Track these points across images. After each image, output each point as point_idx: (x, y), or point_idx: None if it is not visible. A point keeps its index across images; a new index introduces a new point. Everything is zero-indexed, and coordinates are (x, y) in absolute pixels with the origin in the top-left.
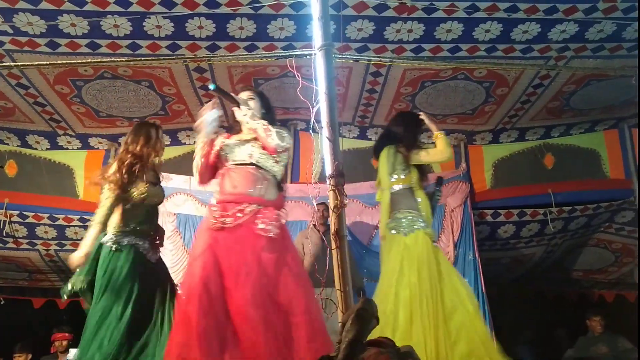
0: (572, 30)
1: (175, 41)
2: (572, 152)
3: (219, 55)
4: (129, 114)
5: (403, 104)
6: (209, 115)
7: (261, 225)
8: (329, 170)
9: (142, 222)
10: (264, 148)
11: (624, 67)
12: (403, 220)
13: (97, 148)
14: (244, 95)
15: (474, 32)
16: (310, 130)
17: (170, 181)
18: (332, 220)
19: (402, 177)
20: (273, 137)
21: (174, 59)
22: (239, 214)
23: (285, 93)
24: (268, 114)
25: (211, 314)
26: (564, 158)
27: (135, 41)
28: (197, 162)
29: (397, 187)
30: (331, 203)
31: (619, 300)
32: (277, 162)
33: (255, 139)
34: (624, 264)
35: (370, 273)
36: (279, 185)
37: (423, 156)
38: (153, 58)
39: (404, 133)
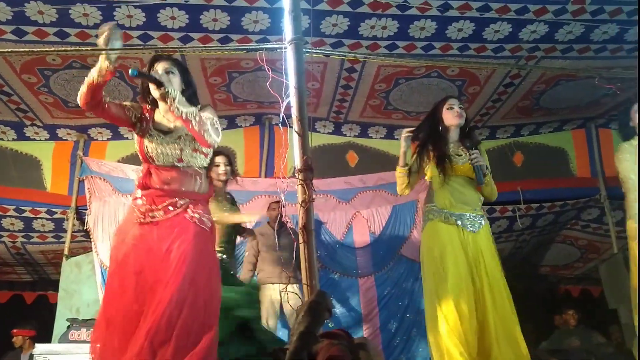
0: (542, 30)
1: (147, 32)
2: (541, 151)
3: (188, 46)
4: None
5: (377, 100)
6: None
7: (195, 215)
8: (298, 165)
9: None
10: (194, 150)
11: (592, 68)
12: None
13: (66, 139)
14: (160, 67)
15: (447, 30)
16: (280, 125)
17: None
18: (300, 215)
19: (426, 171)
20: (210, 133)
21: (140, 49)
22: (171, 207)
23: (260, 87)
24: (188, 89)
25: (142, 308)
26: (533, 156)
27: None
28: (91, 79)
29: (428, 181)
30: (299, 197)
31: (584, 295)
32: (206, 155)
33: (181, 131)
34: (589, 260)
35: (343, 267)
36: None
37: None
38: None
39: None
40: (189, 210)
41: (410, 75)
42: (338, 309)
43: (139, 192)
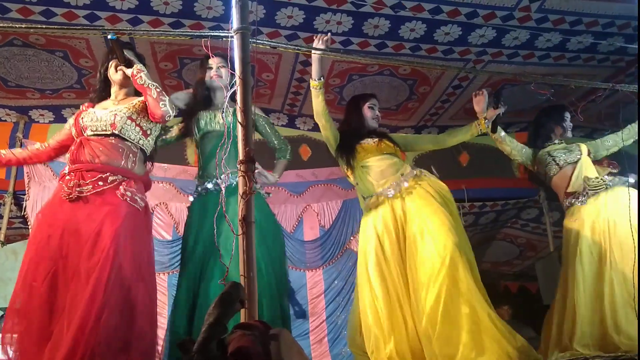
0: (490, 35)
1: (94, 11)
2: (485, 151)
3: (129, 29)
4: (41, 86)
5: (331, 95)
6: None
7: (127, 193)
8: (240, 156)
9: None
10: (129, 118)
11: (530, 74)
12: None
13: (5, 120)
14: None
15: (400, 30)
16: (223, 114)
17: None
18: (239, 206)
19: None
20: (166, 103)
21: (79, 29)
22: (100, 182)
23: None
24: None
25: (64, 298)
26: (478, 156)
27: (50, 8)
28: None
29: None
30: (240, 189)
31: (522, 291)
32: (145, 134)
33: (121, 105)
34: (527, 258)
35: (291, 260)
36: (146, 162)
37: None
38: (64, 27)
39: None
40: (120, 187)
41: (364, 72)
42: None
43: (67, 168)
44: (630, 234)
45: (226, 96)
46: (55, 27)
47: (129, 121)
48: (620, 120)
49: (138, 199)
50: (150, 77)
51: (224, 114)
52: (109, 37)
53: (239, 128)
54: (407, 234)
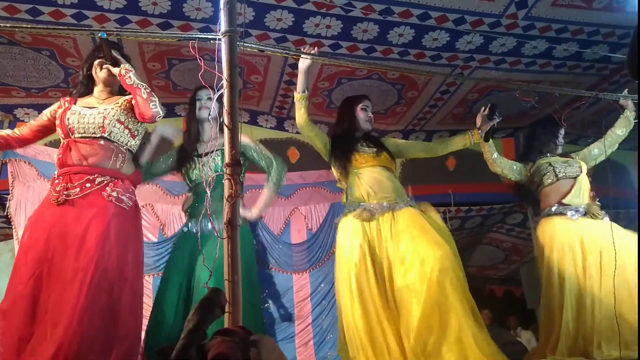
0: (477, 42)
1: (82, 10)
2: (472, 157)
3: (114, 29)
4: (27, 84)
5: (320, 98)
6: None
7: (113, 193)
8: (226, 159)
9: None
10: (118, 121)
11: (513, 81)
12: None
13: None
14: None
15: (389, 35)
16: (210, 117)
17: None
18: (225, 210)
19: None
20: (156, 103)
21: (65, 29)
22: (88, 184)
23: (202, 76)
24: None
25: (48, 299)
26: (464, 161)
27: (37, 6)
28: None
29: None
30: (226, 192)
31: (507, 295)
32: (133, 135)
33: (107, 106)
34: (512, 262)
35: (277, 263)
36: (135, 160)
37: None
38: (53, 27)
39: None
40: (107, 188)
41: (353, 76)
42: (271, 305)
43: (56, 172)
44: (620, 252)
45: (211, 125)
46: (42, 27)
47: (117, 124)
48: (603, 128)
49: (125, 199)
50: (139, 77)
51: (212, 154)
52: (99, 35)
53: (226, 131)
54: (393, 248)
